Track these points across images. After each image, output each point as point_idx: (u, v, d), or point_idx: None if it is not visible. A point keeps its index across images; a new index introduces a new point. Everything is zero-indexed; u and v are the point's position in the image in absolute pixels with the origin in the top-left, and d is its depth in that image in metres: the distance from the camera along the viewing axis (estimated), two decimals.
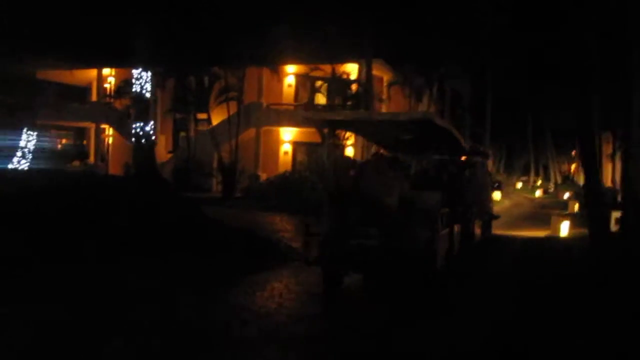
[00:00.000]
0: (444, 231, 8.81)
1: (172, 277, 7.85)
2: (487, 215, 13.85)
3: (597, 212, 12.26)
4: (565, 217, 15.97)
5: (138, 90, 20.18)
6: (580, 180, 43.84)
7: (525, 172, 54.37)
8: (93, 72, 31.74)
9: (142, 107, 20.69)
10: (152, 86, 21.81)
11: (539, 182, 50.37)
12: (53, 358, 5.00)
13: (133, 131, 20.11)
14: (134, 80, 20.17)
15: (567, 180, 50.49)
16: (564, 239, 15.16)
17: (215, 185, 25.56)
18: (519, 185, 47.04)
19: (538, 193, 42.13)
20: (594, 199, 12.40)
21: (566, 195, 36.33)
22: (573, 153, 51.86)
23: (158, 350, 5.22)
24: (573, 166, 58.45)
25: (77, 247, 7.82)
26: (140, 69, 19.83)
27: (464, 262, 10.04)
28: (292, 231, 14.79)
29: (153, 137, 21.19)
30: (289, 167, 26.69)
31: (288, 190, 21.37)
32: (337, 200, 8.34)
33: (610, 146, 32.66)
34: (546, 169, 51.95)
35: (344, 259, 8.01)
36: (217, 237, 9.76)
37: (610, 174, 36.36)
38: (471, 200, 11.53)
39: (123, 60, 23.32)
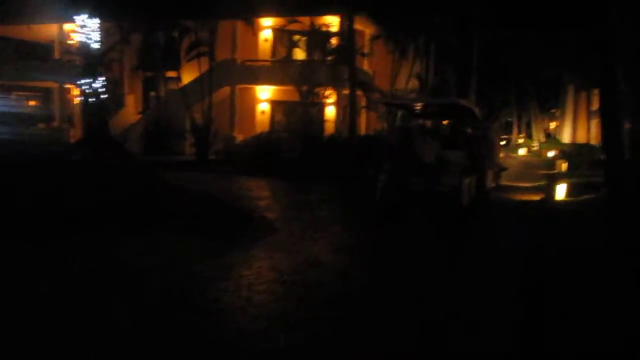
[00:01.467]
0: (467, 180, 11.94)
1: (110, 262, 6.42)
2: (497, 167, 16.63)
3: (616, 159, 12.45)
4: (562, 179, 15.09)
5: (83, 40, 18.01)
6: (564, 138, 43.29)
7: (507, 130, 53.43)
8: (54, 28, 29.55)
9: (89, 60, 18.63)
10: (101, 35, 19.42)
11: (521, 140, 49.56)
12: None
13: (81, 88, 18.19)
14: (77, 29, 18.02)
15: (550, 138, 49.73)
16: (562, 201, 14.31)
17: (189, 147, 24.16)
18: (502, 143, 46.15)
19: (522, 151, 41.28)
20: (614, 148, 12.39)
21: (551, 154, 35.46)
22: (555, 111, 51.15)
23: None
24: (554, 124, 57.81)
25: None
26: (85, 15, 17.68)
27: (480, 202, 12.92)
28: (269, 198, 13.57)
29: (105, 96, 19.20)
30: (266, 127, 25.36)
31: (265, 152, 20.18)
32: (393, 158, 11.89)
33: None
34: (528, 126, 51.02)
35: (398, 199, 11.59)
36: (176, 210, 8.45)
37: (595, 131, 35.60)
38: (485, 156, 13.93)
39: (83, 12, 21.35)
